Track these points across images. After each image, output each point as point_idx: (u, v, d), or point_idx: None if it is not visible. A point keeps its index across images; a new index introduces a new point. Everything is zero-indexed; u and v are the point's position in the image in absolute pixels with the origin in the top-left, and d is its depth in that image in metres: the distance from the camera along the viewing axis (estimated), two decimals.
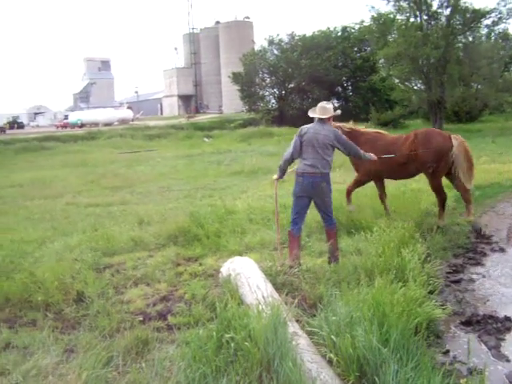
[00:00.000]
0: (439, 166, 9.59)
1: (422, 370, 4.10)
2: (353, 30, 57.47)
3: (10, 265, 8.25)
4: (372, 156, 8.20)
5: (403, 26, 38.84)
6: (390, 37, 40.39)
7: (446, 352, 5.01)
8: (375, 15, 40.75)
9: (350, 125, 10.48)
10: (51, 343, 5.31)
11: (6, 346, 5.52)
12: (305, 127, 7.59)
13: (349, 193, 10.37)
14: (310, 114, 7.84)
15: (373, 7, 40.77)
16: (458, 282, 6.99)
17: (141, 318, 6.09)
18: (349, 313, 4.80)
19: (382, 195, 10.44)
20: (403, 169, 9.83)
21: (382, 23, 40.31)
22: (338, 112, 8.02)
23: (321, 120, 7.65)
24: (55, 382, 4.35)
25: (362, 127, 10.78)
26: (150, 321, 6.02)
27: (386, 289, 5.30)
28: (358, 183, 10.48)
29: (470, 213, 9.92)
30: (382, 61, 45.72)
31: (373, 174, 10.16)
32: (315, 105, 7.95)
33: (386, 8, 48.26)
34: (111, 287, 7.17)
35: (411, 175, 10.32)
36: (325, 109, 7.69)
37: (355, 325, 4.57)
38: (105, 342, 5.18)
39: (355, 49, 56.91)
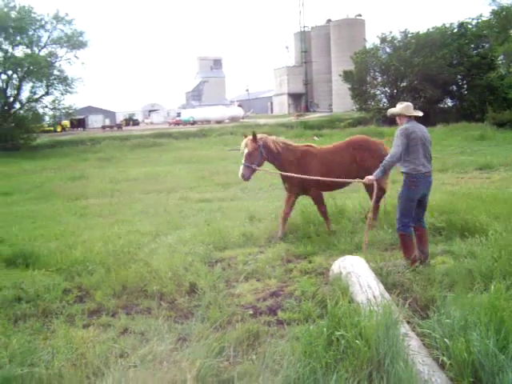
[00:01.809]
0: None
1: None
2: (470, 26, 55.23)
3: (127, 255, 8.65)
4: None
5: None
6: (511, 31, 38.57)
7: None
8: (496, 9, 39.04)
9: (281, 139, 10.09)
10: (165, 331, 5.54)
11: (124, 331, 5.85)
12: (409, 127, 7.28)
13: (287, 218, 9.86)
14: (406, 112, 7.47)
15: (493, 0, 39.13)
16: None
17: (251, 312, 6.23)
18: (463, 316, 4.67)
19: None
20: (345, 178, 9.51)
21: (504, 17, 38.54)
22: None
23: (411, 118, 7.48)
24: (170, 368, 4.52)
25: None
26: (261, 315, 6.14)
27: (503, 294, 5.10)
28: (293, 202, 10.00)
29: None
30: (501, 57, 43.81)
31: (320, 186, 9.74)
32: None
33: (509, 0, 46.02)
34: (222, 280, 7.38)
35: (342, 186, 10.30)
36: (412, 107, 7.55)
37: (470, 329, 4.45)
38: (217, 333, 5.33)
39: (472, 45, 54.43)
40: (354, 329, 4.39)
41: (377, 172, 7.43)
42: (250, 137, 9.46)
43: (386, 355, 4.09)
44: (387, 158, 7.36)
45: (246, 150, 9.34)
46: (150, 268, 7.66)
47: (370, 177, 7.54)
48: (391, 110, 7.78)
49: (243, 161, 9.33)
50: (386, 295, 5.63)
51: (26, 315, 6.41)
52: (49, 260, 8.48)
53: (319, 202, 9.78)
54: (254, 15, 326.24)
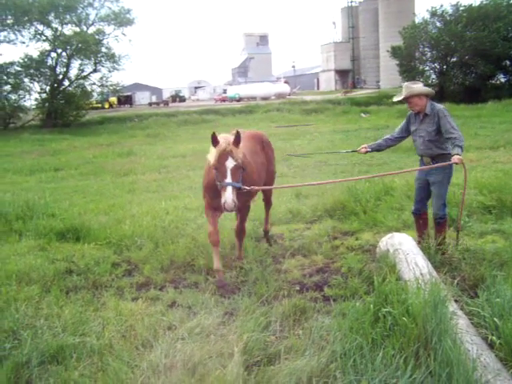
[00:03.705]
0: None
1: None
2: None
3: (175, 230, 8.76)
4: None
5: None
6: None
7: None
8: None
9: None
10: (213, 305, 5.63)
11: (171, 304, 5.95)
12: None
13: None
14: (431, 91, 7.20)
15: None
16: None
17: (298, 288, 6.29)
18: None
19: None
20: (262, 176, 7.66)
21: None
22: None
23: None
24: (217, 341, 4.59)
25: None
26: (307, 291, 6.18)
27: None
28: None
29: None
30: None
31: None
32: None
33: None
34: (269, 256, 7.43)
35: None
36: None
37: None
38: (263, 308, 5.39)
39: None
40: (401, 306, 4.37)
41: (459, 151, 6.47)
42: (229, 140, 6.11)
43: (434, 333, 4.06)
44: (461, 139, 6.59)
45: (231, 163, 6.02)
46: (197, 243, 7.76)
47: (459, 156, 6.38)
48: (418, 89, 7.01)
49: (228, 179, 5.96)
50: (434, 273, 5.58)
51: (77, 287, 6.58)
52: (98, 234, 8.65)
53: (245, 217, 7.48)
54: None
